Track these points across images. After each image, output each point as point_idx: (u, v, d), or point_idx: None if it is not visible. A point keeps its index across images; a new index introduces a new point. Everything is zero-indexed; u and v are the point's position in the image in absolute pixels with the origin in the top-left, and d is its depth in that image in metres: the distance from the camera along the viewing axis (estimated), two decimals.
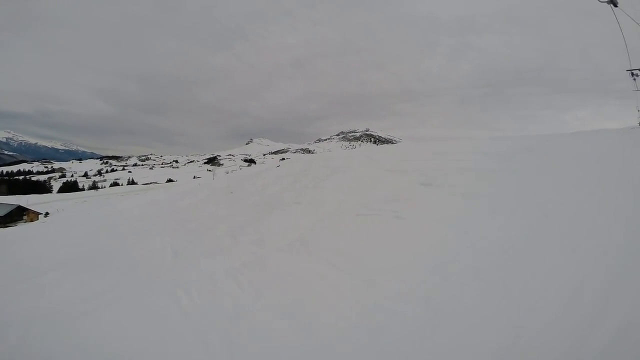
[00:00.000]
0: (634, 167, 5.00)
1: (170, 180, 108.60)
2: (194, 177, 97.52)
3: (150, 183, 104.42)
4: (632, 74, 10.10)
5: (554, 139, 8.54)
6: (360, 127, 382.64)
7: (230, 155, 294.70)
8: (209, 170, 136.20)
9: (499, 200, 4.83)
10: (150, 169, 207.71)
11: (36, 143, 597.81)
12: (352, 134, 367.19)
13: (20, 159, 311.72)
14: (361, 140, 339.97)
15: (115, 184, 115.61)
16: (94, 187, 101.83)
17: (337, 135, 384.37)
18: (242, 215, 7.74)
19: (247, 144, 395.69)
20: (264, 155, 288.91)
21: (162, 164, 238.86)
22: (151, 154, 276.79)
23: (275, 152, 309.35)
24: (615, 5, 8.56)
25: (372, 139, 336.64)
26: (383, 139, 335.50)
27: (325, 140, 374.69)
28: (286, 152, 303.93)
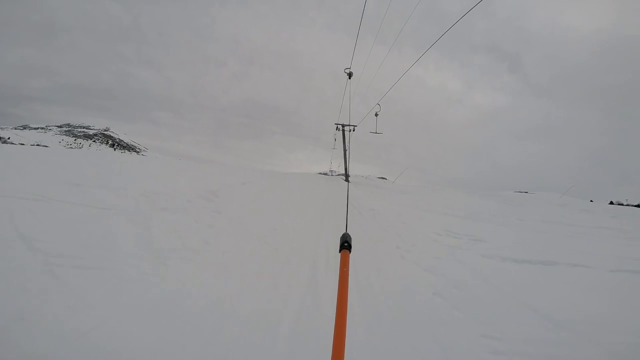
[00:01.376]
0: None
1: None
2: None
3: None
4: (337, 128, 21.33)
5: None
6: (98, 124, 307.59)
7: None
8: None
9: None
10: None
11: None
12: (83, 129, 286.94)
13: None
14: (95, 139, 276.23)
15: None
16: None
17: (60, 126, 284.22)
18: None
19: None
20: None
21: None
22: None
23: None
24: (350, 78, 12.06)
25: (111, 141, 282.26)
26: (124, 144, 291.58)
27: (37, 129, 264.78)
28: None
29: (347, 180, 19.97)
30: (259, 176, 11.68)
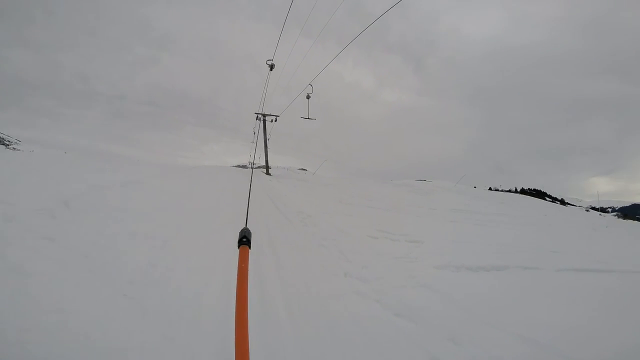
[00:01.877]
0: None
1: None
2: None
3: None
4: (258, 117, 19.28)
5: None
6: None
7: None
8: None
9: None
10: None
11: None
12: None
13: None
14: None
15: None
16: None
17: None
18: None
19: None
20: None
21: None
22: None
23: None
24: (271, 69, 11.13)
25: None
26: None
27: None
28: None
29: (267, 172, 18.58)
30: (155, 171, 9.32)
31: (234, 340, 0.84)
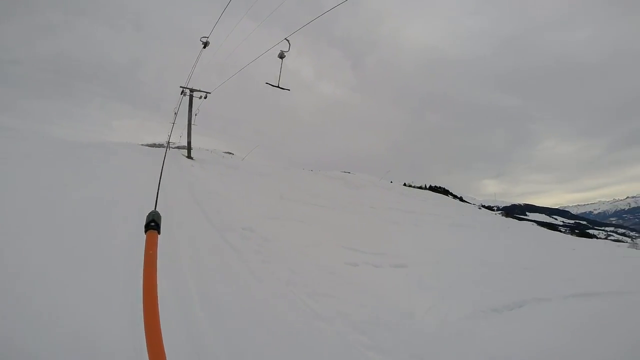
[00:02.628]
0: None
1: None
2: None
3: None
4: (184, 92, 15.83)
5: None
6: None
7: None
8: None
9: None
10: None
11: None
12: None
13: None
14: None
15: None
16: None
17: None
18: None
19: None
20: None
21: None
22: None
23: None
24: (204, 47, 10.31)
25: None
26: None
27: None
28: None
29: (189, 155, 16.05)
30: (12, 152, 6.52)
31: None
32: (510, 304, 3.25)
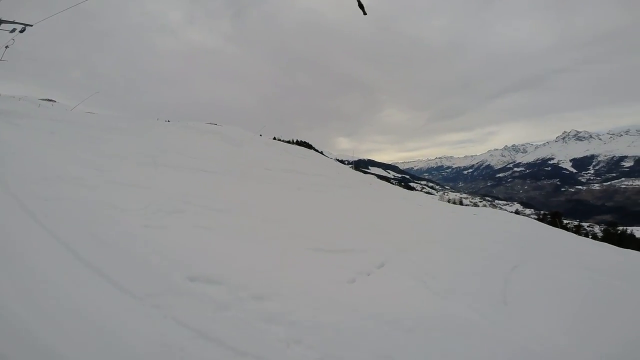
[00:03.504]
0: None
1: None
2: None
3: None
4: None
5: None
6: None
7: None
8: None
9: None
10: None
11: None
12: None
13: None
14: None
15: None
16: None
17: None
18: None
19: None
20: None
21: None
22: None
23: None
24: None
25: None
26: None
27: None
28: None
29: None
30: None
31: None
32: None
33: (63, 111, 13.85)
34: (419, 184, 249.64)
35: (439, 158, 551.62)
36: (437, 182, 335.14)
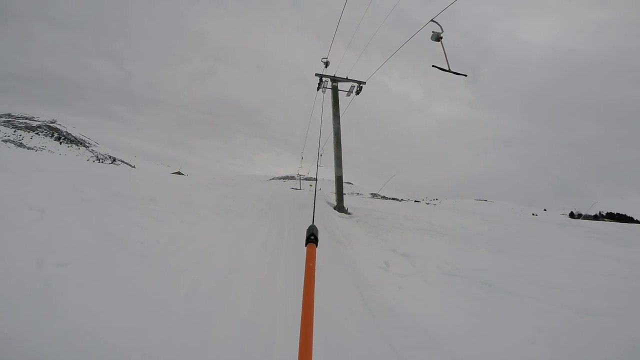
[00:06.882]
0: None
1: None
2: None
3: None
4: (322, 81, 11.34)
5: None
6: (45, 116, 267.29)
7: None
8: None
9: None
10: None
11: None
12: (26, 120, 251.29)
13: None
14: (38, 131, 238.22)
15: None
16: None
17: None
18: None
19: None
20: None
21: None
22: None
23: None
24: (326, 67, 10.02)
25: (57, 134, 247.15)
26: (72, 138, 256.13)
27: None
28: None
29: (340, 207, 9.81)
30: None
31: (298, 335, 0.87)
32: None
33: (385, 205, 12.28)
34: None
35: None
36: None
